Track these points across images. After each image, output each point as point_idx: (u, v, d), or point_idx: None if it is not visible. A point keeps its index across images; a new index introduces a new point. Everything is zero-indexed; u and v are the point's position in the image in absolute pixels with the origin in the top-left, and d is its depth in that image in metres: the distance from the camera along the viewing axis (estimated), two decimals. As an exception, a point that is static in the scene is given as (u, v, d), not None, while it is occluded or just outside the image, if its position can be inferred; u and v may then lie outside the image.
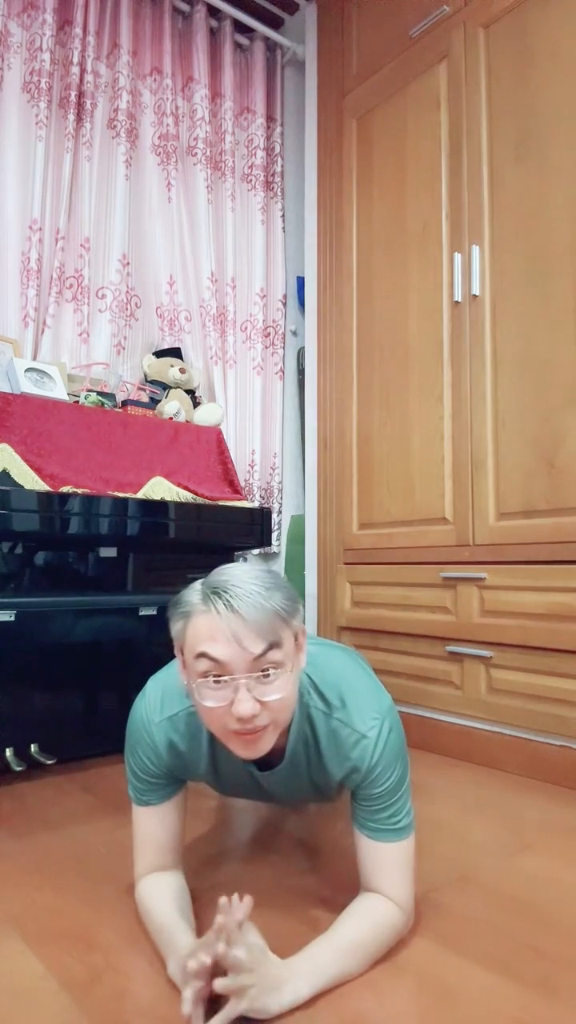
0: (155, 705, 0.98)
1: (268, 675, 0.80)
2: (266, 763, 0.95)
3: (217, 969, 0.74)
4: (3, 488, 1.71)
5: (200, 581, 0.85)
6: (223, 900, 0.75)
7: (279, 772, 0.96)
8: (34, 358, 2.22)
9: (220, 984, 0.72)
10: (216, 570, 0.86)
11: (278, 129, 2.95)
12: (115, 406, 2.23)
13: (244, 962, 0.73)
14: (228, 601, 0.79)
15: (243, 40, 2.88)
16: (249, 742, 0.82)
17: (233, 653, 0.78)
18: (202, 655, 0.79)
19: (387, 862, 0.91)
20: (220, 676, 0.79)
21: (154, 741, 0.96)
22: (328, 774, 0.93)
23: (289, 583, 0.87)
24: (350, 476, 2.32)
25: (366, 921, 0.88)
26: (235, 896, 0.77)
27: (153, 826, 0.99)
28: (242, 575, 0.83)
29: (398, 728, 0.93)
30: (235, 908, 0.75)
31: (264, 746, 0.83)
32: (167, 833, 0.99)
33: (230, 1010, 0.72)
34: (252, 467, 2.73)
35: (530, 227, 1.81)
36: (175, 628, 0.84)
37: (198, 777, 1.00)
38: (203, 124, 2.68)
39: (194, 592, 0.83)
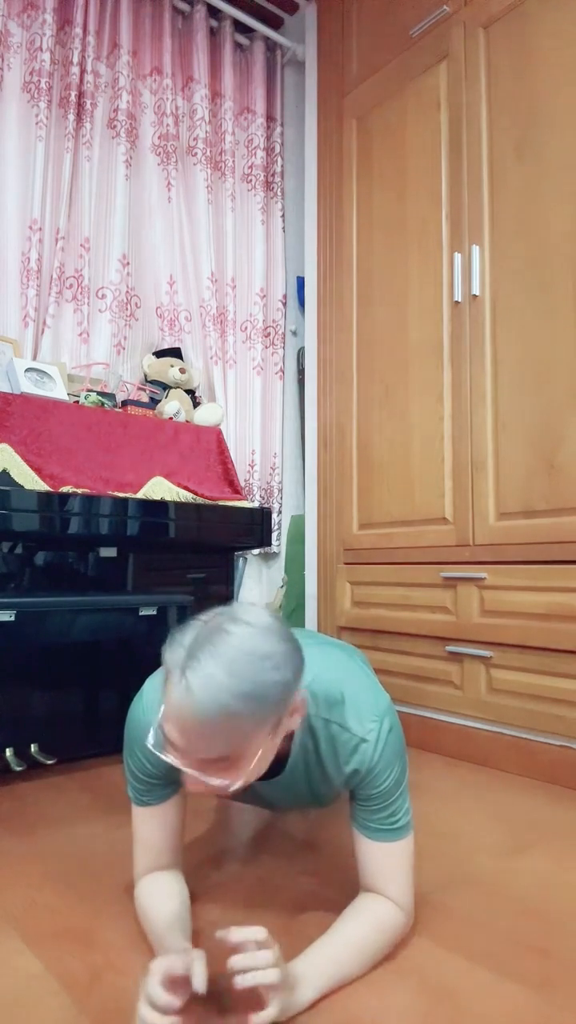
0: (152, 706, 0.97)
1: (218, 774, 0.76)
2: (266, 773, 0.95)
3: (215, 971, 0.74)
4: (3, 488, 1.71)
5: (196, 630, 0.76)
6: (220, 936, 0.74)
7: (278, 782, 0.95)
8: (34, 358, 2.22)
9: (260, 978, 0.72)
10: (212, 626, 0.75)
11: (278, 129, 2.95)
12: (115, 406, 2.23)
13: (279, 985, 0.73)
14: (197, 694, 0.70)
15: (243, 40, 2.88)
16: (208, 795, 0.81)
17: (183, 748, 0.74)
18: (164, 726, 0.76)
19: (386, 862, 0.90)
20: (176, 753, 0.76)
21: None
22: (328, 779, 0.93)
23: (291, 650, 0.77)
24: (350, 476, 2.32)
25: (367, 922, 0.88)
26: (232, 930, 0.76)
27: (152, 826, 0.98)
28: (228, 658, 0.72)
29: (397, 728, 0.93)
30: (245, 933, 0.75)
31: (224, 792, 0.81)
32: (166, 833, 0.99)
33: (270, 1012, 0.73)
34: (252, 467, 2.73)
35: (530, 227, 1.81)
36: (162, 674, 0.79)
37: None
38: (203, 124, 2.68)
39: (179, 649, 0.75)
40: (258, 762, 0.78)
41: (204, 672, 0.71)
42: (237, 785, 0.77)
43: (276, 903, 1.05)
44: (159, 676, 1.02)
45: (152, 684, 1.01)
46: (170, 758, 0.76)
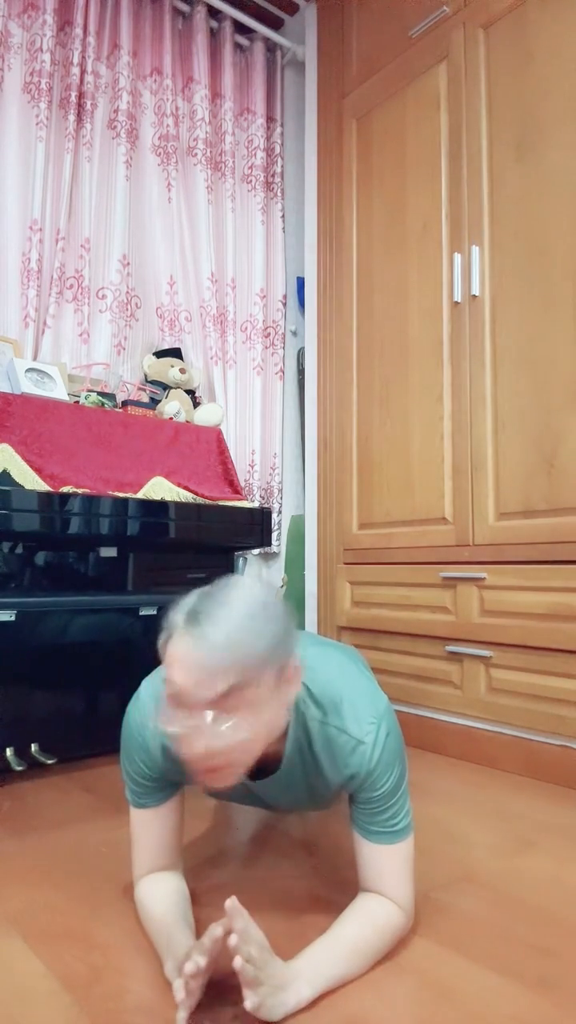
0: (149, 708, 0.97)
1: (227, 717, 0.75)
2: (261, 772, 0.95)
3: (213, 971, 0.74)
4: (3, 488, 1.72)
5: (196, 594, 0.81)
6: (229, 903, 0.75)
7: (274, 781, 0.95)
8: (34, 358, 2.23)
9: (241, 966, 0.71)
10: (216, 586, 0.82)
11: (278, 129, 2.95)
12: (115, 406, 2.23)
13: (257, 959, 0.73)
14: (202, 632, 0.75)
15: (243, 41, 2.88)
16: (208, 779, 0.80)
17: (192, 689, 0.74)
18: (168, 679, 0.77)
19: (387, 864, 0.90)
20: (180, 706, 0.76)
21: (147, 745, 0.95)
22: (326, 781, 0.93)
23: (286, 613, 0.82)
24: (350, 476, 2.32)
25: (366, 922, 0.88)
26: (234, 898, 0.77)
27: (151, 828, 0.98)
28: (231, 605, 0.77)
29: (395, 730, 0.93)
30: (240, 910, 0.76)
31: (225, 782, 0.80)
32: (165, 835, 0.99)
33: (250, 1001, 0.73)
34: (252, 467, 2.73)
35: (530, 227, 1.81)
36: (161, 639, 0.81)
37: (193, 780, 1.00)
38: (203, 124, 2.68)
39: (182, 610, 0.80)
40: (265, 713, 0.78)
41: (211, 612, 0.76)
42: (247, 734, 0.76)
43: (276, 903, 1.05)
44: (155, 678, 1.02)
45: (148, 687, 1.01)
46: (177, 712, 0.76)
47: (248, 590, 0.81)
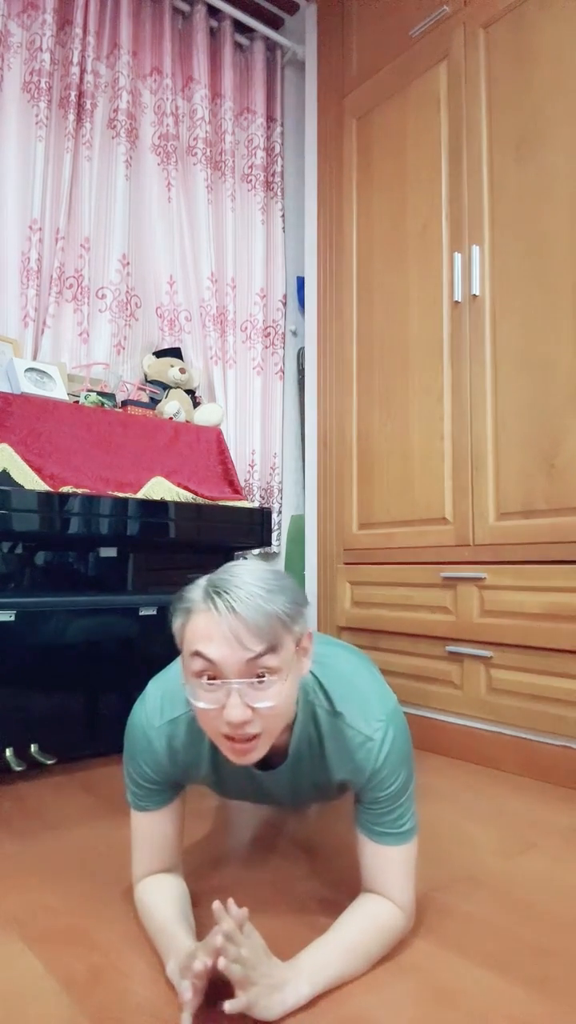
0: (155, 709, 0.97)
1: (262, 681, 0.78)
2: (268, 763, 0.95)
3: (216, 972, 0.74)
4: (3, 488, 1.71)
5: (205, 577, 0.83)
6: (217, 905, 0.74)
7: (281, 772, 0.95)
8: (34, 358, 2.22)
9: (227, 967, 0.71)
10: (223, 567, 0.85)
11: (278, 129, 2.95)
12: (115, 406, 2.23)
13: (248, 960, 0.73)
14: (228, 601, 0.78)
15: (243, 40, 2.88)
16: (240, 751, 0.81)
17: (227, 655, 0.77)
18: (197, 654, 0.78)
19: (389, 865, 0.90)
20: (213, 678, 0.78)
21: (153, 747, 0.95)
22: (330, 774, 0.93)
23: (297, 585, 0.85)
24: (350, 476, 2.32)
25: (367, 922, 0.88)
26: (230, 900, 0.77)
27: (151, 831, 0.98)
28: (247, 575, 0.81)
29: (404, 731, 0.93)
30: (232, 910, 0.75)
31: (255, 755, 0.82)
32: (165, 837, 0.99)
33: (238, 1002, 0.72)
34: (252, 467, 2.73)
35: (530, 227, 1.81)
36: (175, 624, 0.83)
37: (199, 780, 1.00)
38: (203, 124, 2.67)
39: (197, 589, 0.82)
40: (290, 680, 0.80)
41: (236, 585, 0.79)
42: (280, 695, 0.79)
43: (277, 904, 1.05)
44: (162, 678, 1.02)
45: (155, 687, 1.01)
46: (210, 686, 0.79)
47: (254, 564, 0.85)
